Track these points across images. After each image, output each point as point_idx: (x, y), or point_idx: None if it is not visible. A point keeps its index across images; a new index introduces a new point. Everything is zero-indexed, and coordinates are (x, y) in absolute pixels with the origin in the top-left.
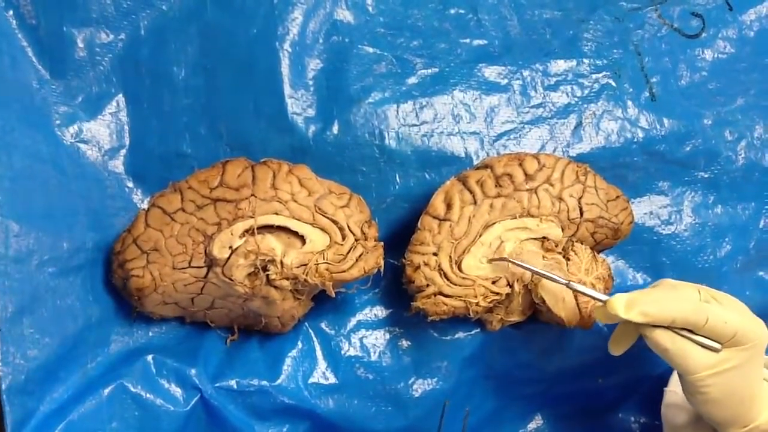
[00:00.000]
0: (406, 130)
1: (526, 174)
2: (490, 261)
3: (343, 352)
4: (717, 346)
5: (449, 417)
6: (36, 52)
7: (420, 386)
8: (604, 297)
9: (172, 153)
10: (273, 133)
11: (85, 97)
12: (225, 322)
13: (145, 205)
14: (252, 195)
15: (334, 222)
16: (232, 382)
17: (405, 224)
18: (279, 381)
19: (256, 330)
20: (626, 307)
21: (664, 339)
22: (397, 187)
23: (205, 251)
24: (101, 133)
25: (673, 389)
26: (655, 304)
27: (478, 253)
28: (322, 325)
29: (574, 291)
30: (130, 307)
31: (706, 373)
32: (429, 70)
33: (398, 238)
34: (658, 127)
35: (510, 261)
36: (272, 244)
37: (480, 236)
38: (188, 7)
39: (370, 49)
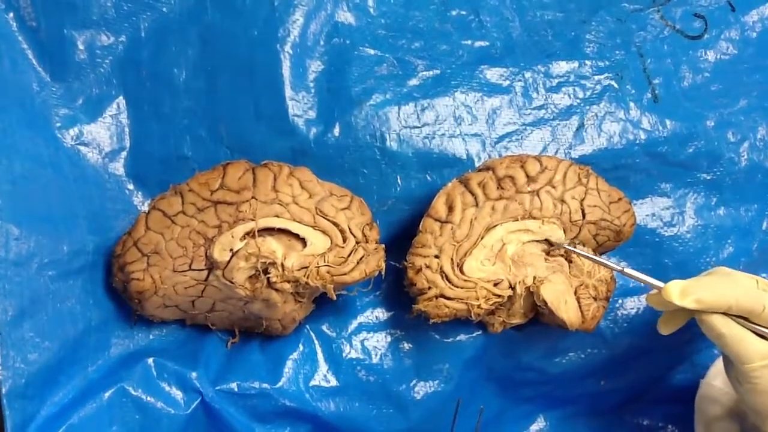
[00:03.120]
0: (408, 132)
1: (527, 176)
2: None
3: (344, 355)
4: None
5: (453, 418)
6: (36, 54)
7: (421, 388)
8: (659, 284)
9: (172, 155)
10: (274, 136)
11: (86, 100)
12: (226, 324)
13: (145, 208)
14: (253, 197)
15: (335, 224)
16: (233, 385)
17: (406, 226)
18: (280, 384)
19: (257, 333)
20: (681, 294)
21: (720, 324)
22: (398, 189)
23: (206, 254)
24: (102, 136)
25: (710, 382)
26: (710, 290)
27: (479, 256)
28: (324, 327)
29: (630, 277)
30: (130, 310)
31: (760, 363)
32: (430, 72)
33: (399, 241)
34: (660, 128)
35: (565, 247)
36: (273, 246)
37: (482, 238)
38: (188, 9)
39: (371, 51)
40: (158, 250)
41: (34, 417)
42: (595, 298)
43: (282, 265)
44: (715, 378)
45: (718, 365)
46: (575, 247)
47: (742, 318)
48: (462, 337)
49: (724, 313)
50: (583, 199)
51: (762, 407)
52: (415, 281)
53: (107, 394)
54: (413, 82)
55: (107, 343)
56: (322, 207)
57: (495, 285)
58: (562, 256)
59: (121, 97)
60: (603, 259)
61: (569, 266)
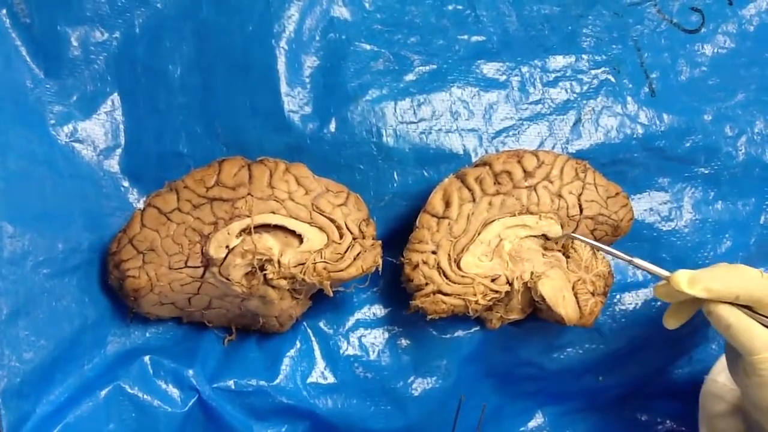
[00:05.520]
0: (404, 128)
1: (525, 171)
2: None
3: (341, 352)
4: None
5: (450, 414)
6: (30, 51)
7: (419, 385)
8: (666, 273)
9: (168, 152)
10: (269, 132)
11: (80, 96)
12: (222, 322)
13: (140, 205)
14: (249, 194)
15: (332, 221)
16: (230, 383)
17: (403, 222)
18: (277, 381)
19: (253, 330)
20: (689, 282)
21: (728, 315)
22: (395, 185)
23: (202, 251)
24: (96, 133)
25: (714, 378)
26: (718, 280)
27: (477, 251)
28: (321, 324)
29: (638, 267)
30: (126, 308)
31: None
32: (427, 67)
33: (396, 237)
34: (657, 122)
35: (573, 236)
36: (269, 243)
37: (479, 234)
38: (183, 5)
39: (367, 46)
40: (154, 248)
41: (30, 416)
42: (593, 293)
43: (278, 261)
44: (719, 374)
45: (722, 361)
46: (573, 241)
47: (748, 308)
48: (460, 333)
49: (732, 303)
50: (580, 194)
51: (766, 402)
52: (412, 277)
53: (104, 393)
54: (409, 77)
55: (103, 341)
56: (318, 203)
57: (492, 281)
58: (559, 251)
59: (115, 94)
60: (612, 249)
61: (567, 261)
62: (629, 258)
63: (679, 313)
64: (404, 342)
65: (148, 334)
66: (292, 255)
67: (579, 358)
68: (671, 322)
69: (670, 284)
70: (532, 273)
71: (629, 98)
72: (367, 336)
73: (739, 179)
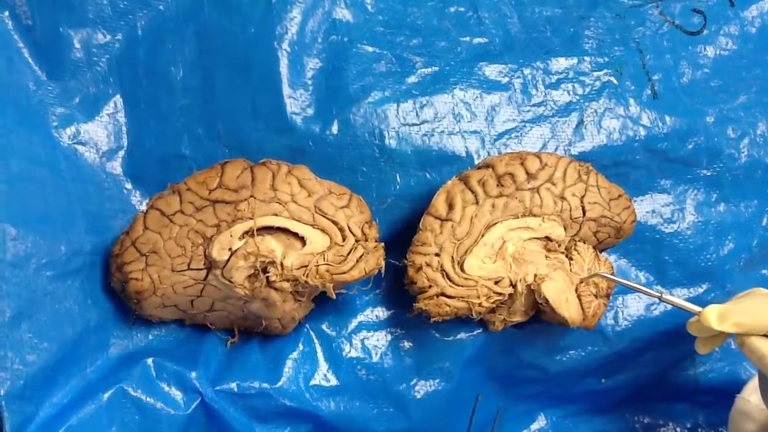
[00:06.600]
0: (407, 130)
1: (527, 173)
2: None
3: (344, 354)
4: None
5: (453, 416)
6: (32, 53)
7: (422, 387)
8: (697, 308)
9: (170, 154)
10: (272, 134)
11: (83, 98)
12: (225, 324)
13: (143, 207)
14: (251, 196)
15: (335, 223)
16: (233, 385)
17: (406, 224)
18: (280, 383)
19: (256, 332)
20: (719, 318)
21: (761, 346)
22: (397, 187)
23: (205, 253)
24: (99, 135)
25: (746, 397)
26: (749, 313)
27: (480, 254)
28: (323, 326)
29: (668, 303)
30: (129, 311)
31: None
32: (429, 69)
33: (399, 239)
34: (660, 124)
35: (602, 276)
36: (272, 245)
37: (482, 236)
38: (185, 7)
39: (370, 48)
40: (156, 250)
41: (33, 418)
42: (596, 296)
43: (281, 264)
44: (751, 394)
45: (754, 382)
46: (575, 244)
47: None
48: (462, 335)
49: (765, 335)
50: (583, 196)
51: None
52: (415, 280)
53: (106, 395)
54: (412, 79)
55: (106, 343)
56: (321, 205)
57: (496, 283)
58: (562, 253)
59: (118, 96)
60: (641, 287)
61: (570, 263)
62: (658, 294)
63: (711, 341)
64: (407, 344)
65: (150, 337)
66: (294, 257)
67: (581, 361)
68: (703, 349)
69: (701, 321)
70: (535, 275)
71: (631, 100)
72: (369, 338)
73: (742, 181)
